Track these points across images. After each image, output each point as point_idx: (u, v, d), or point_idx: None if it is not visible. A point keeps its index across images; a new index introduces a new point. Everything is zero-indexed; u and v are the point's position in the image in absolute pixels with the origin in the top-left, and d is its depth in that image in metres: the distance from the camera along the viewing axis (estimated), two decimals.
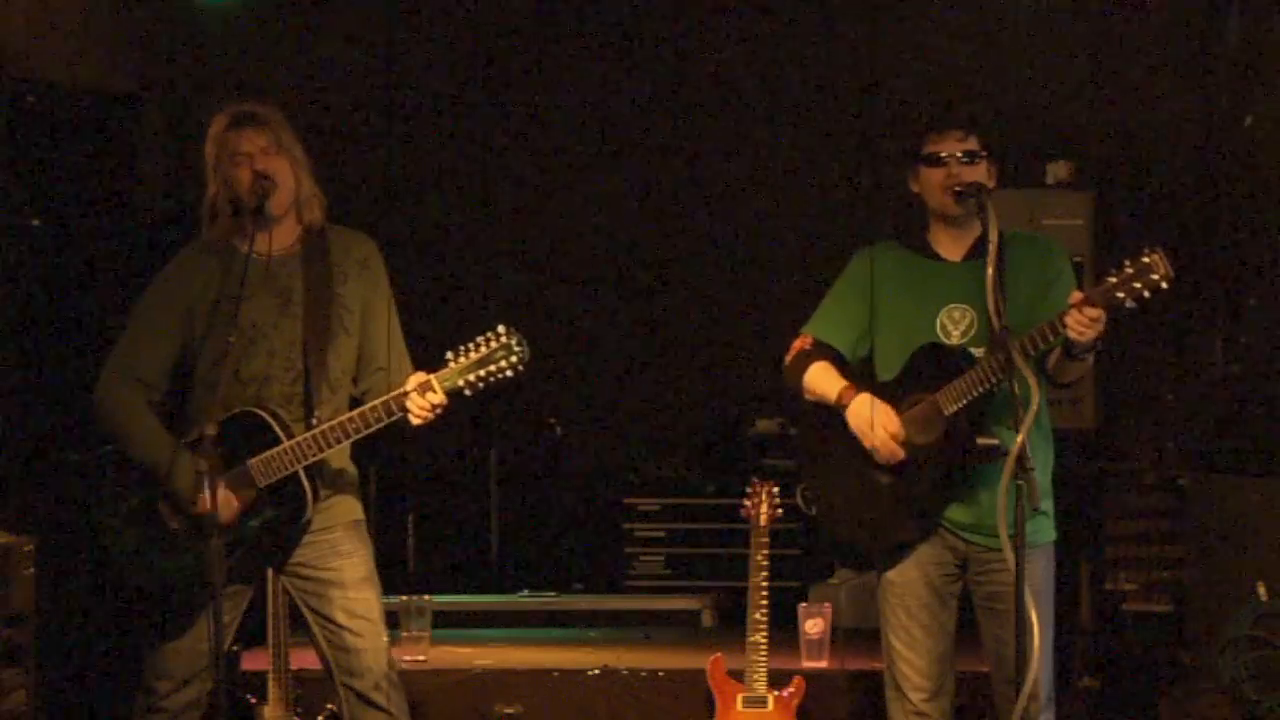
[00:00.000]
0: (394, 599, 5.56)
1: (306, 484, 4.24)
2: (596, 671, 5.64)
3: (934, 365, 4.28)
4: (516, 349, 4.12)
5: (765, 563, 5.29)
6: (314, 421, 4.26)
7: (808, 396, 4.47)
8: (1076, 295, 4.04)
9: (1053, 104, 7.32)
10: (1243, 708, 5.55)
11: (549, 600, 7.12)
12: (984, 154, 4.32)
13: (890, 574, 4.42)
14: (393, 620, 5.06)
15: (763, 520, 5.33)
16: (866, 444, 4.32)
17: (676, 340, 7.97)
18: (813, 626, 5.75)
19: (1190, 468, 6.61)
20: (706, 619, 7.02)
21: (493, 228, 7.96)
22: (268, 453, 4.22)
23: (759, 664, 5.25)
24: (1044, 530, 4.34)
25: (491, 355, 4.12)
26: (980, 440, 4.21)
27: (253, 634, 5.31)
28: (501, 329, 4.14)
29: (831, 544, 6.76)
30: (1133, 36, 7.29)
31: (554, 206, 7.95)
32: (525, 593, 7.19)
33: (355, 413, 4.22)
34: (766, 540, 5.31)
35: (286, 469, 4.22)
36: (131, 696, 4.41)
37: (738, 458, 7.58)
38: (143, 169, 6.60)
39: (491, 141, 7.93)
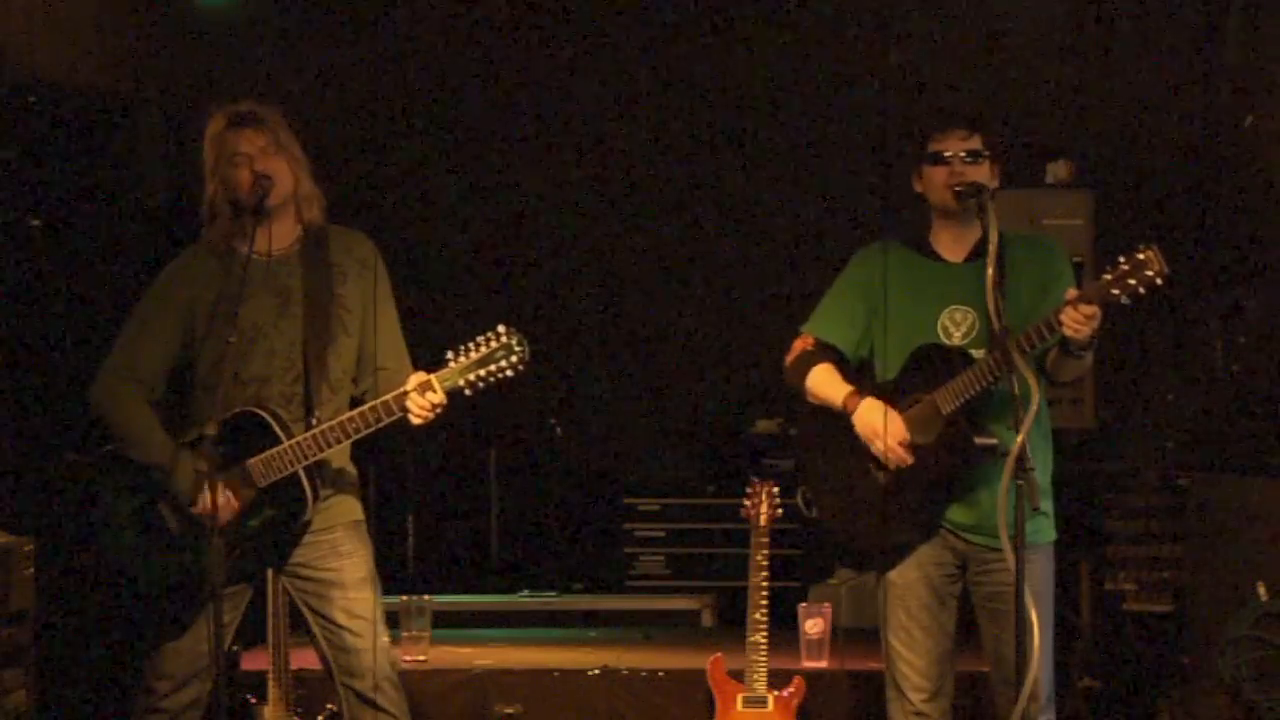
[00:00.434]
0: (394, 599, 5.55)
1: (306, 484, 4.24)
2: (596, 671, 5.64)
3: (932, 365, 4.28)
4: (517, 348, 4.13)
5: (765, 563, 5.29)
6: (314, 421, 4.26)
7: (810, 399, 4.47)
8: (1071, 292, 4.04)
9: (1053, 104, 7.32)
10: (1243, 708, 5.55)
11: (549, 600, 7.12)
12: (987, 154, 4.32)
13: (890, 574, 4.42)
14: (393, 620, 5.06)
15: (763, 520, 5.33)
16: (874, 450, 4.32)
17: (676, 340, 7.97)
18: (813, 626, 5.75)
19: (1190, 468, 6.61)
20: (706, 619, 7.02)
21: (493, 227, 7.96)
22: (268, 453, 4.22)
23: (759, 664, 5.24)
24: (1044, 530, 4.34)
25: (492, 355, 4.13)
26: (978, 440, 4.21)
27: (253, 634, 5.31)
28: (502, 329, 4.14)
29: (831, 545, 6.76)
30: (1133, 36, 7.29)
31: (554, 206, 7.95)
32: (525, 593, 7.19)
33: (355, 412, 4.23)
34: (766, 540, 5.31)
35: (286, 469, 4.22)
36: (131, 696, 4.41)
37: (738, 458, 7.58)
38: (143, 169, 6.60)
39: (492, 141, 7.93)
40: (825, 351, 4.47)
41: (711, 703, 5.34)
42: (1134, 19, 7.28)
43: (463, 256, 7.92)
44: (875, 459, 4.35)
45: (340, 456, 4.39)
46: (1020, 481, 3.91)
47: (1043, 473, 4.32)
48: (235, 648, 5.38)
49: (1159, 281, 3.92)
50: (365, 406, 4.23)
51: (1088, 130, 7.21)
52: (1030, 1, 7.39)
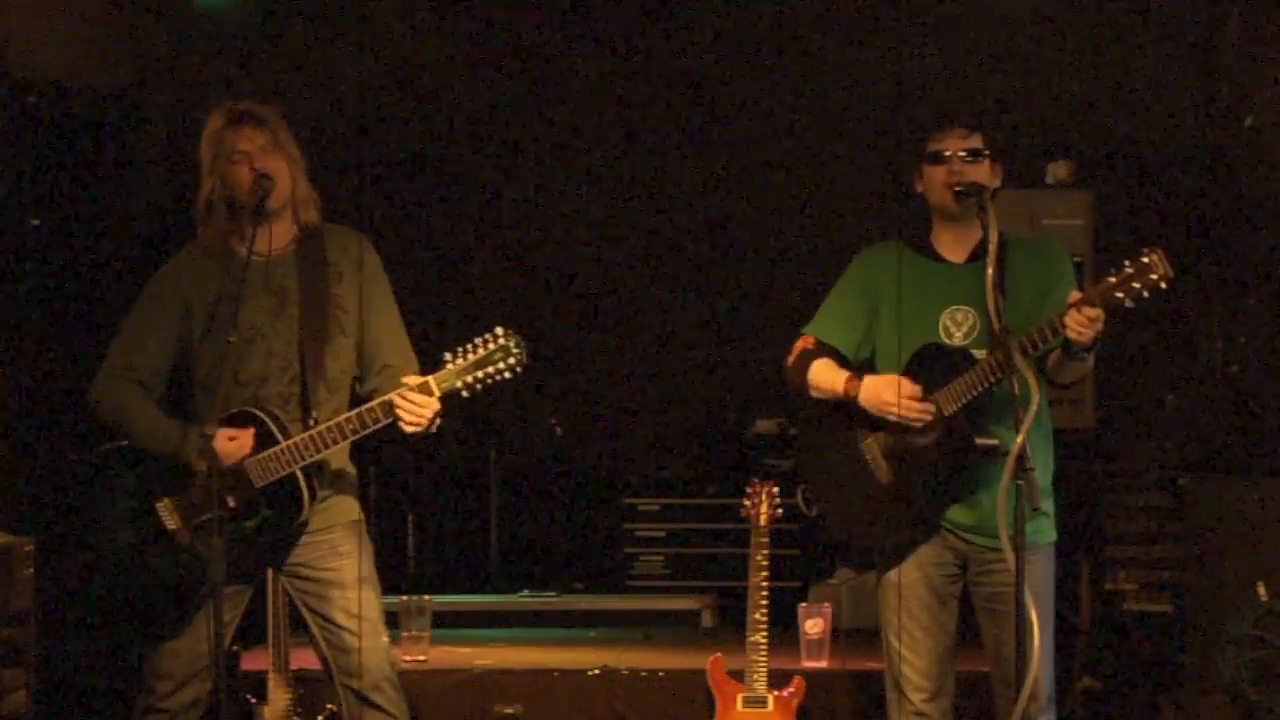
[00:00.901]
0: (394, 599, 5.55)
1: (304, 484, 4.24)
2: (596, 671, 5.64)
3: (934, 366, 4.28)
4: (515, 350, 4.12)
5: (765, 563, 5.29)
6: (312, 422, 4.26)
7: (813, 393, 4.46)
8: (1075, 295, 4.04)
9: (1053, 104, 7.32)
10: (1243, 708, 5.55)
11: (549, 600, 7.12)
12: (986, 152, 4.32)
13: (890, 575, 4.42)
14: (393, 620, 5.06)
15: (763, 520, 5.33)
16: (892, 418, 4.28)
17: (676, 340, 7.97)
18: (813, 626, 5.75)
19: (1190, 468, 6.61)
20: (706, 619, 7.02)
21: (492, 228, 7.96)
22: (265, 453, 4.22)
23: (759, 664, 5.24)
24: (1044, 531, 4.34)
25: (490, 356, 4.12)
26: (979, 441, 4.21)
27: (253, 634, 5.31)
28: (500, 330, 4.14)
29: (832, 544, 6.76)
30: (1133, 36, 7.29)
31: (554, 206, 7.95)
32: (525, 593, 7.20)
33: (353, 413, 4.22)
34: (766, 540, 5.31)
35: (284, 469, 4.22)
36: (131, 696, 4.41)
37: (738, 458, 7.58)
38: (143, 169, 6.60)
39: (492, 142, 7.93)
40: (826, 351, 4.47)
41: (711, 703, 5.34)
42: (1134, 19, 7.28)
43: (461, 257, 7.92)
44: (883, 449, 4.34)
45: (339, 457, 4.38)
46: (1020, 481, 3.91)
47: (1044, 473, 4.32)
48: (235, 648, 5.38)
49: (1164, 285, 3.92)
50: (363, 407, 4.22)
51: (1088, 130, 7.21)
52: (1031, 2, 7.39)
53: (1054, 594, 4.40)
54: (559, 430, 7.73)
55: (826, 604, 5.88)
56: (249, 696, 5.24)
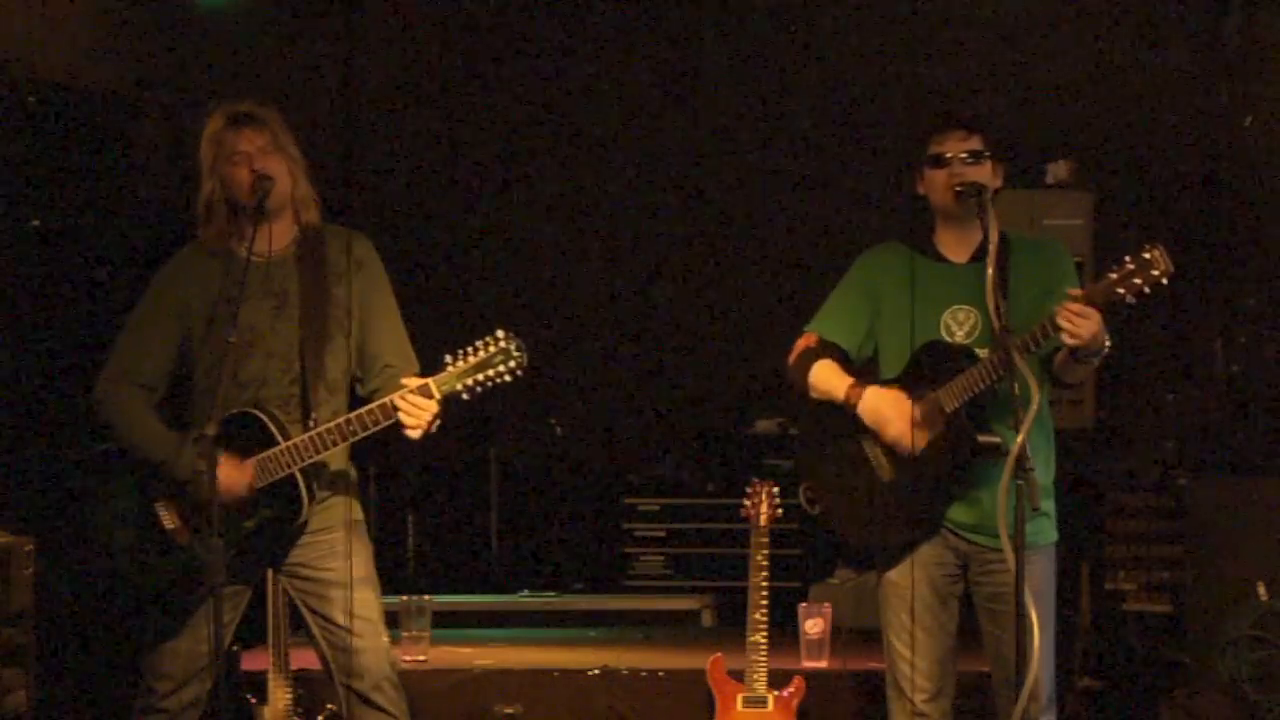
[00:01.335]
0: (394, 599, 5.55)
1: (303, 485, 4.23)
2: (596, 671, 5.64)
3: (936, 363, 4.28)
4: (515, 353, 4.12)
5: (765, 563, 5.29)
6: (312, 423, 4.26)
7: (813, 395, 4.46)
8: (1074, 291, 4.04)
9: (1053, 104, 7.32)
10: (1243, 708, 5.55)
11: (549, 600, 7.12)
12: (987, 154, 4.31)
13: (891, 575, 4.42)
14: (393, 620, 5.06)
15: (763, 520, 5.33)
16: (885, 438, 4.31)
17: (676, 340, 7.97)
18: (813, 626, 5.75)
19: (1190, 468, 6.61)
20: (706, 619, 7.02)
21: (493, 228, 7.96)
22: (265, 454, 4.22)
23: (759, 664, 5.24)
24: (1044, 531, 4.34)
25: (490, 359, 4.12)
26: (981, 438, 4.21)
27: (253, 634, 5.31)
28: (500, 333, 4.13)
29: (834, 543, 6.77)
30: (1133, 36, 7.29)
31: (554, 207, 7.95)
32: (525, 593, 7.20)
33: (353, 415, 4.22)
34: (766, 540, 5.31)
35: (283, 470, 4.22)
36: (131, 696, 4.41)
37: (738, 458, 7.58)
38: (143, 169, 6.60)
39: (491, 141, 7.94)
40: (828, 349, 4.46)
41: (711, 703, 5.34)
42: (1134, 19, 7.29)
43: (462, 257, 7.92)
44: (884, 448, 4.35)
45: (339, 457, 4.38)
46: (1020, 481, 3.91)
47: (1045, 473, 4.32)
48: (235, 648, 5.38)
49: (1164, 280, 3.93)
50: (364, 409, 4.22)
51: (1088, 130, 7.21)
52: (1031, 2, 7.39)
53: (1055, 594, 4.40)
54: (559, 430, 7.73)
55: (826, 604, 5.87)
56: (249, 696, 5.23)
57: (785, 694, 5.28)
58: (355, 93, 7.81)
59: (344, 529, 4.40)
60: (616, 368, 7.98)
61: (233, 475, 4.16)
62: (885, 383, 4.38)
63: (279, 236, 4.36)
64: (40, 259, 6.02)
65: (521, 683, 5.61)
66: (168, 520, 4.29)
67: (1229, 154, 7.00)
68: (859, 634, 5.72)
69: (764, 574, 5.28)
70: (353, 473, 4.48)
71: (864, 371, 4.45)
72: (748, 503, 5.37)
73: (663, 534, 7.52)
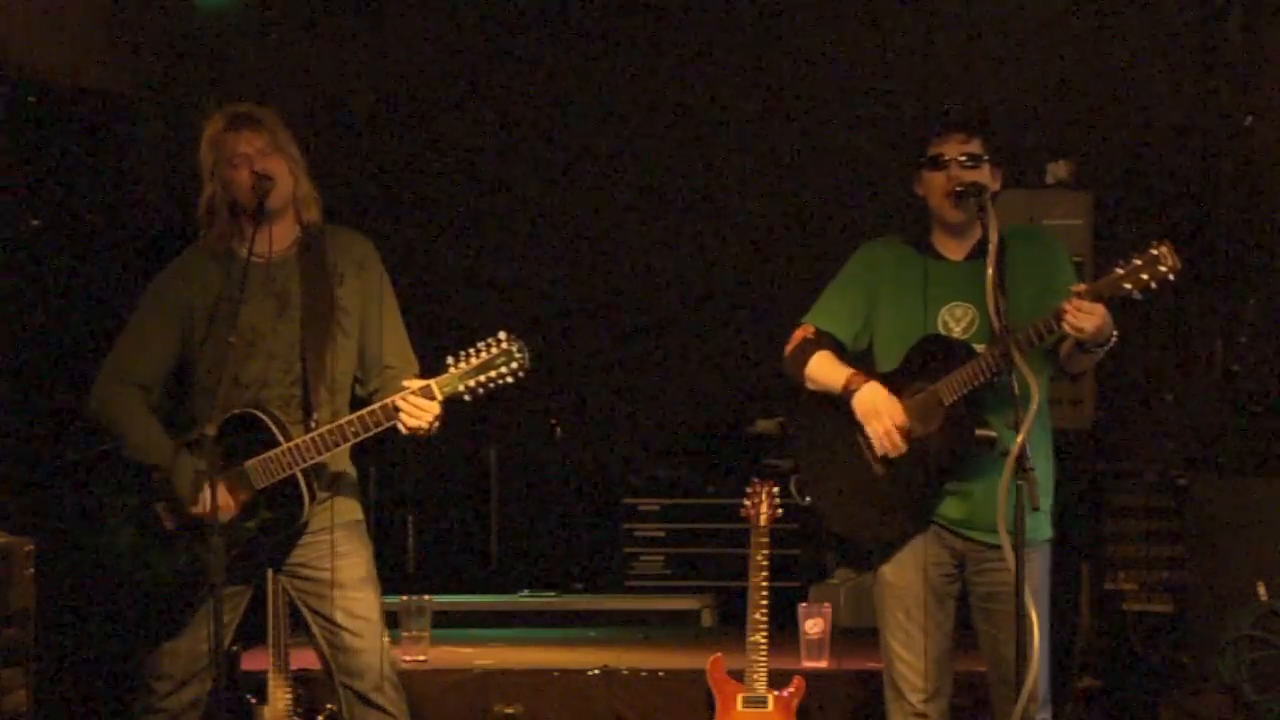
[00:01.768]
0: (394, 599, 5.55)
1: (304, 486, 4.24)
2: (596, 671, 5.64)
3: (935, 357, 4.29)
4: (518, 355, 4.12)
5: (765, 563, 5.29)
6: (313, 424, 4.26)
7: (810, 385, 4.46)
8: (1082, 287, 4.05)
9: (1053, 104, 7.32)
10: (1243, 708, 5.55)
11: (549, 600, 7.12)
12: (986, 157, 4.31)
13: (888, 574, 4.42)
14: (393, 620, 5.06)
15: (763, 520, 5.33)
16: (869, 432, 4.32)
17: (676, 340, 7.97)
18: (813, 626, 5.75)
19: (1190, 468, 6.61)
20: (706, 619, 7.02)
21: (494, 229, 7.96)
22: (266, 455, 4.22)
23: (759, 664, 5.25)
24: (1040, 528, 4.34)
25: (493, 361, 4.12)
26: (979, 432, 4.22)
27: (253, 634, 5.30)
28: (503, 335, 4.14)
29: (827, 538, 6.78)
30: (1133, 35, 7.29)
31: (554, 207, 7.95)
32: (525, 593, 7.19)
33: (354, 416, 4.22)
34: (766, 540, 5.31)
35: (284, 471, 4.22)
36: (132, 696, 4.41)
37: (738, 458, 7.58)
38: (143, 169, 6.59)
39: (492, 142, 7.93)
40: (825, 341, 4.47)
41: (711, 703, 5.34)
42: (1134, 19, 7.28)
43: (463, 257, 7.92)
44: (869, 444, 4.34)
45: (340, 458, 4.38)
46: (1020, 481, 3.92)
47: (1044, 470, 4.32)
48: (235, 648, 5.38)
49: (1171, 277, 3.94)
50: (364, 410, 4.22)
51: (1088, 130, 7.21)
52: (1031, 2, 7.39)
53: (1049, 591, 4.40)
54: (559, 430, 7.73)
55: (826, 604, 5.88)
56: (249, 696, 5.23)
57: (785, 694, 5.29)
58: (356, 92, 7.81)
59: (344, 529, 4.40)
60: (616, 368, 7.98)
61: (224, 502, 4.15)
62: (883, 375, 4.38)
63: (280, 237, 4.37)
64: (40, 259, 6.01)
65: (521, 683, 5.61)
66: (168, 520, 4.29)
67: (1229, 154, 7.00)
68: (859, 634, 5.72)
69: (764, 574, 5.28)
70: (353, 473, 4.48)
71: (860, 363, 4.46)
72: (748, 503, 5.37)
73: (663, 534, 7.52)
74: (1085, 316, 4.01)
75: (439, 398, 4.15)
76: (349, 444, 4.26)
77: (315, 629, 4.39)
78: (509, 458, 7.71)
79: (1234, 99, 6.99)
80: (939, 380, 4.26)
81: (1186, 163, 7.15)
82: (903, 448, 4.28)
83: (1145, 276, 3.95)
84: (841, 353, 4.46)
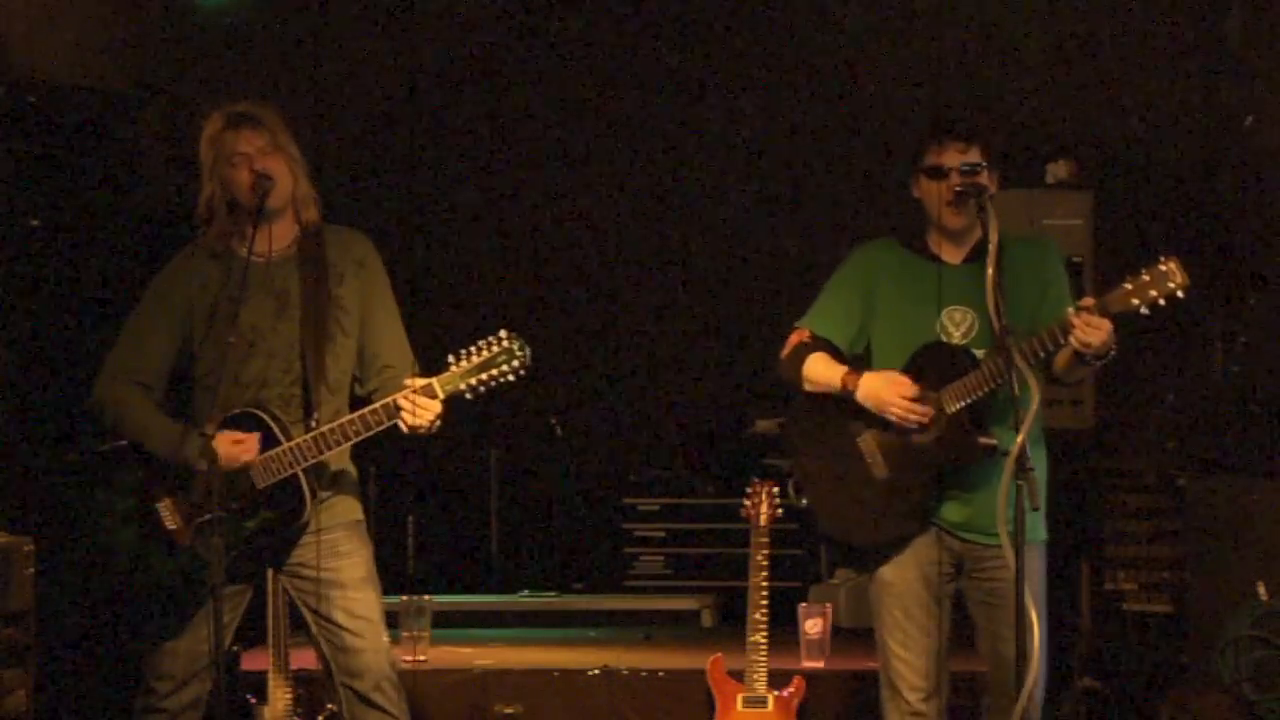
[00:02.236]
0: (394, 599, 5.55)
1: (305, 486, 4.24)
2: (596, 671, 5.63)
3: (937, 364, 4.28)
4: (519, 353, 4.12)
5: (765, 563, 5.29)
6: (313, 423, 4.26)
7: (807, 387, 4.46)
8: (1088, 301, 4.04)
9: (1053, 104, 7.32)
10: (1243, 708, 5.55)
11: (549, 600, 7.12)
12: (984, 166, 4.29)
13: (886, 574, 4.42)
14: (393, 620, 5.06)
15: (763, 520, 5.32)
16: (891, 417, 4.29)
17: (676, 341, 7.97)
18: (813, 626, 5.75)
19: (1190, 468, 6.62)
20: (706, 619, 7.01)
21: (493, 228, 7.96)
22: (267, 454, 4.22)
23: (759, 664, 5.24)
24: (1036, 529, 4.34)
25: (494, 359, 4.12)
26: (981, 440, 4.22)
27: (253, 634, 5.30)
28: (504, 333, 4.14)
29: (824, 537, 6.78)
30: (1132, 36, 7.29)
31: (555, 207, 7.95)
32: (525, 593, 7.19)
33: (355, 415, 4.22)
34: (766, 540, 5.31)
35: (285, 471, 4.22)
36: (131, 696, 4.41)
37: (738, 458, 7.58)
38: (143, 169, 6.60)
39: (492, 141, 7.93)
40: (820, 344, 4.47)
41: (711, 703, 5.34)
42: (1134, 19, 7.29)
43: (463, 257, 7.92)
44: (882, 444, 4.35)
45: (340, 457, 4.38)
46: (1020, 482, 3.92)
47: (1044, 472, 4.33)
48: (235, 648, 5.37)
49: (1180, 294, 3.94)
50: (365, 410, 4.22)
51: (1088, 130, 7.21)
52: (1031, 2, 7.40)
53: (1046, 591, 4.40)
54: (559, 430, 7.73)
55: (826, 604, 5.87)
56: (249, 696, 5.23)
57: (785, 694, 5.28)
58: (357, 92, 7.81)
59: (345, 529, 4.40)
60: (616, 368, 7.98)
61: (233, 449, 4.15)
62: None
63: (280, 236, 4.37)
64: (40, 259, 6.02)
65: (521, 683, 5.60)
66: (168, 520, 4.29)
67: (1229, 154, 7.00)
68: (859, 634, 5.71)
69: (764, 574, 5.28)
70: (353, 472, 4.48)
71: (856, 363, 4.46)
72: (748, 503, 5.37)
73: (663, 534, 7.52)
74: (1094, 331, 4.02)
75: (440, 396, 4.14)
76: (349, 443, 4.26)
77: (315, 629, 4.39)
78: (509, 458, 7.70)
79: (1234, 99, 6.99)
80: (941, 388, 4.26)
81: (1186, 163, 7.15)
82: (930, 412, 4.25)
83: (1154, 293, 3.95)
84: (837, 355, 4.46)
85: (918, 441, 4.30)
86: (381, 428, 4.21)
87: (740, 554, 5.50)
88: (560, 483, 7.85)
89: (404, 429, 4.18)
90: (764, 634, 5.24)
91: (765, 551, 5.30)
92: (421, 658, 5.77)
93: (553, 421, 7.74)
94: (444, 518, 7.66)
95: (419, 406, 4.14)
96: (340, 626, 4.35)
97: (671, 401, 7.97)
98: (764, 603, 5.25)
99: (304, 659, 4.97)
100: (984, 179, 4.29)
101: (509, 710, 5.52)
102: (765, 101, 7.86)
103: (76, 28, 6.44)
